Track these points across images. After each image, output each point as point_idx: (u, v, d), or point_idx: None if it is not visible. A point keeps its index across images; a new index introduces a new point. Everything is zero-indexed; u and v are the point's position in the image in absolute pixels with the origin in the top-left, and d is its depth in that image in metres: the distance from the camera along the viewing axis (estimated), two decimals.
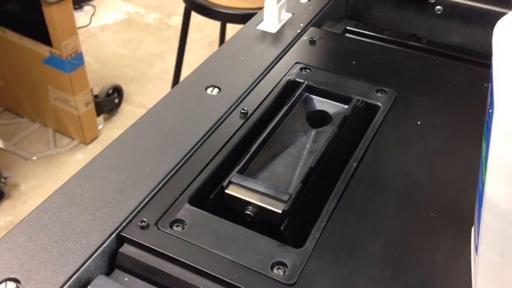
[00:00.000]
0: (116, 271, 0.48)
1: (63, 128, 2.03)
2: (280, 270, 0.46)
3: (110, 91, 2.11)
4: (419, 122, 0.64)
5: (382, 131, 0.62)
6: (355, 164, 0.57)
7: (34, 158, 1.94)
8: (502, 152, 0.35)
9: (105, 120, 2.11)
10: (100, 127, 2.07)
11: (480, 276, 0.41)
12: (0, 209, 1.77)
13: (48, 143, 2.01)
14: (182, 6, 1.77)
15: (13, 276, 0.43)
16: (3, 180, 1.77)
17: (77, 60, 1.91)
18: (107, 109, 2.10)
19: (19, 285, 0.43)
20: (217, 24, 2.12)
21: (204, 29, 2.64)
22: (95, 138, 2.03)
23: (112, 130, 2.08)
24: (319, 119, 0.64)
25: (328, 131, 0.61)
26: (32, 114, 2.08)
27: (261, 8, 0.80)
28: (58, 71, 1.89)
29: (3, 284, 0.42)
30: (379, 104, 0.66)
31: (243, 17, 1.59)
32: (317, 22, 0.83)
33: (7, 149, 1.97)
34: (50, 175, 1.86)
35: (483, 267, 0.41)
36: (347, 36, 0.83)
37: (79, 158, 1.94)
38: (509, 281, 0.39)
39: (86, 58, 2.04)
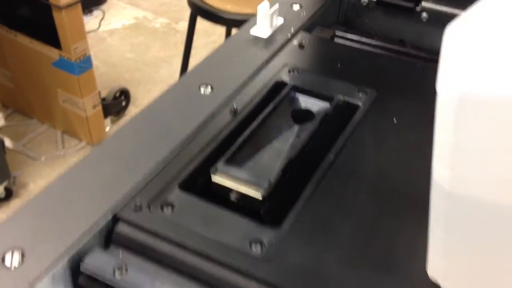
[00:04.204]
0: (111, 247, 0.53)
1: (71, 129, 2.10)
2: (257, 248, 0.51)
3: (118, 94, 2.17)
4: (395, 121, 0.69)
5: (360, 128, 0.68)
6: (333, 157, 0.63)
7: (43, 158, 2.01)
8: (441, 140, 0.41)
9: (112, 122, 2.17)
10: (107, 129, 2.13)
11: (431, 251, 0.46)
12: (8, 208, 1.83)
13: (56, 144, 2.07)
14: (189, 12, 1.83)
15: (18, 246, 0.50)
16: (12, 179, 1.84)
17: (86, 63, 1.97)
18: (114, 112, 2.17)
19: (24, 253, 0.49)
20: (224, 30, 2.18)
21: (211, 34, 2.70)
22: (102, 139, 2.10)
23: None
24: (303, 116, 0.70)
25: (310, 127, 0.66)
26: (41, 115, 2.15)
27: None
28: (67, 74, 1.96)
29: (10, 251, 0.48)
30: (359, 103, 0.71)
31: None
32: (308, 27, 0.89)
33: (17, 150, 2.03)
34: (58, 175, 1.93)
35: (433, 242, 0.46)
36: (335, 41, 0.88)
37: None
38: (452, 253, 0.45)
39: (95, 62, 2.10)
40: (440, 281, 0.46)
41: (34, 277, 0.47)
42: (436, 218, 0.45)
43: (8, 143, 2.02)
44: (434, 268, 0.46)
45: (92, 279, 0.50)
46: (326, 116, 0.68)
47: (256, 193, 0.55)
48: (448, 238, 0.44)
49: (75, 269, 0.50)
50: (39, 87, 2.06)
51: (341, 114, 0.70)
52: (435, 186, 0.43)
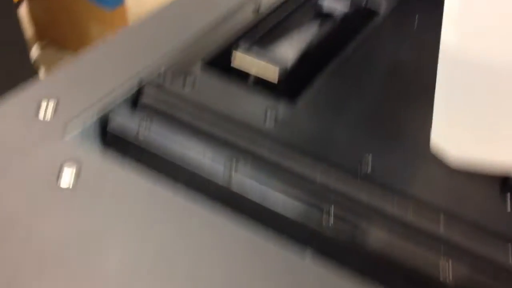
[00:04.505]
0: (137, 109, 0.57)
1: None
2: (272, 121, 0.54)
3: None
4: (416, 26, 0.71)
5: (380, 28, 0.70)
6: (350, 50, 0.65)
7: None
8: (450, 3, 0.43)
9: None
10: None
11: (435, 118, 0.49)
12: None
13: None
14: None
15: (54, 95, 0.55)
16: None
17: None
18: None
19: (58, 101, 0.54)
20: None
21: None
22: None
23: None
24: (326, 14, 0.72)
25: (331, 23, 0.69)
26: (75, 48, 2.19)
27: None
28: (100, 8, 2.00)
29: (46, 99, 0.53)
30: (382, 6, 0.73)
31: None
32: None
33: None
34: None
35: (437, 109, 0.48)
36: None
37: None
38: (455, 117, 0.47)
39: (127, 4, 2.13)
40: (443, 147, 0.49)
41: (65, 128, 0.52)
42: (441, 84, 0.47)
43: (43, 74, 2.08)
44: (438, 134, 0.49)
45: (119, 135, 0.54)
46: (347, 14, 0.70)
47: (273, 72, 0.59)
48: (452, 102, 0.46)
49: (103, 127, 0.54)
50: (73, 20, 2.11)
51: (363, 15, 0.72)
52: (442, 49, 0.46)
